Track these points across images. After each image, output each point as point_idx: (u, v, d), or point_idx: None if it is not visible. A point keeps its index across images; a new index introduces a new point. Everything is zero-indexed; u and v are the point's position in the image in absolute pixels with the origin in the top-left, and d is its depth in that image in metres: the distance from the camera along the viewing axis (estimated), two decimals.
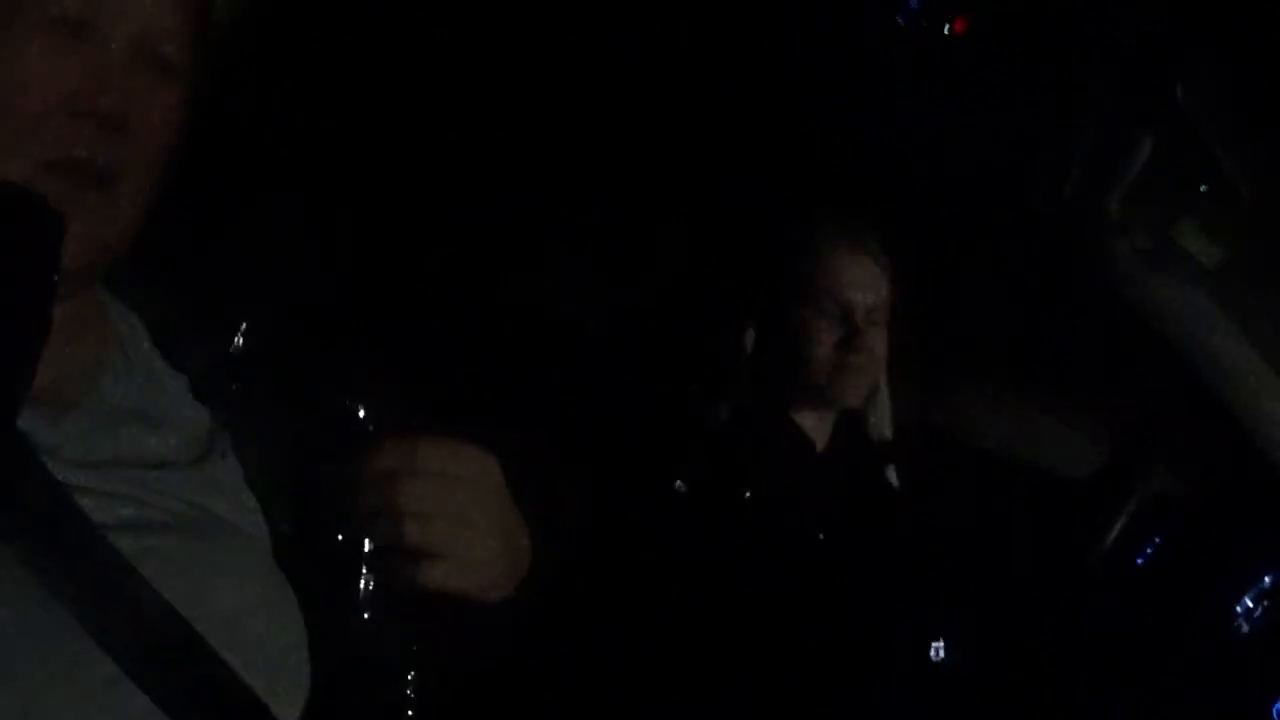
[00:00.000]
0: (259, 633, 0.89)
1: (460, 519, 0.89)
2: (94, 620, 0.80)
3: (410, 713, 0.90)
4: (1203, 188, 2.30)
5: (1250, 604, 2.11)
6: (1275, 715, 1.98)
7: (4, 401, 0.73)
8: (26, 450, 0.82)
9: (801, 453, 1.95)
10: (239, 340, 1.02)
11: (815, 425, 1.97)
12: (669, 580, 1.73)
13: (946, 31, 2.06)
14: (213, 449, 0.97)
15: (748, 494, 1.83)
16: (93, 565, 0.81)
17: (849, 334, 1.90)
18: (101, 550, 0.82)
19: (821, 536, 1.88)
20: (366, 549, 0.89)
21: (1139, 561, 2.20)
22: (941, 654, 1.76)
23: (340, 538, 0.90)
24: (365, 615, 0.92)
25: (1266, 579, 2.11)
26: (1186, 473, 2.29)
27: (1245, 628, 2.10)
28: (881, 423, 2.03)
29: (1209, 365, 2.28)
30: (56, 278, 0.75)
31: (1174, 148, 2.25)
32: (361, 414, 0.95)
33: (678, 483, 1.80)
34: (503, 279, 2.26)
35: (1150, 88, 2.14)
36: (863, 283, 1.92)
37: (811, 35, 2.10)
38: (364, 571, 0.91)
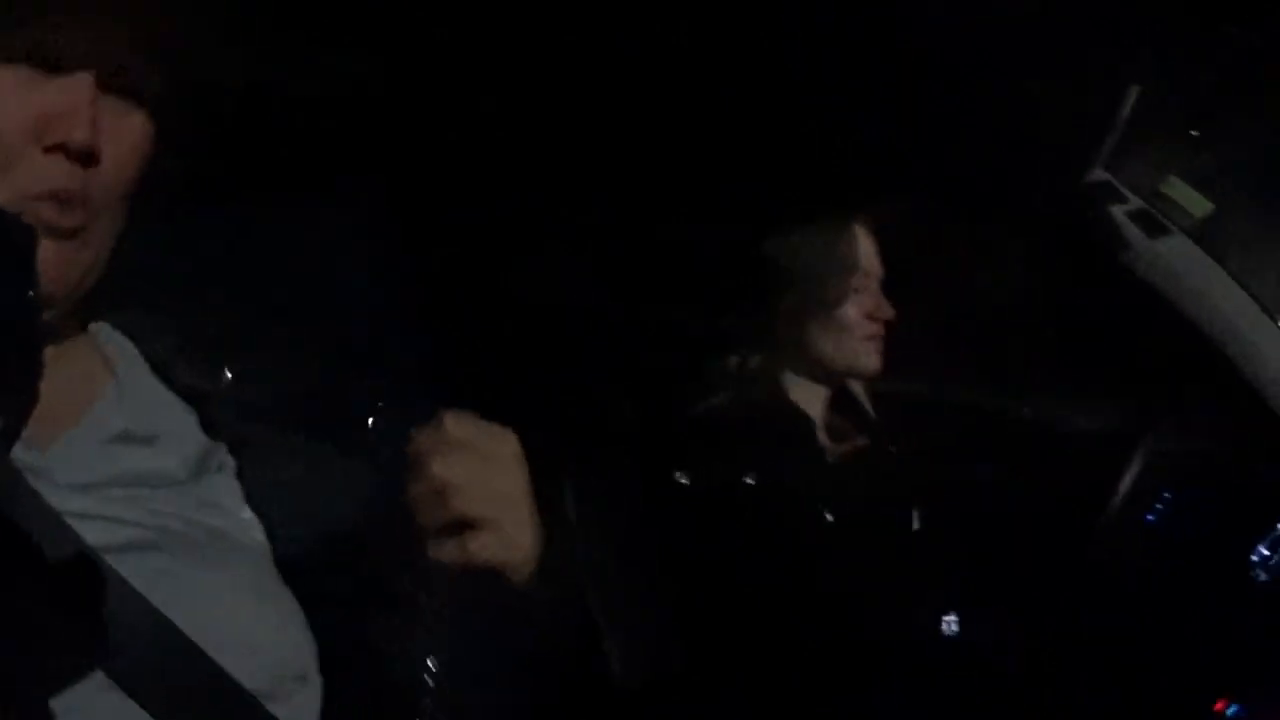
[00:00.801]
0: (267, 646, 0.90)
1: (492, 489, 0.92)
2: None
3: None
4: (1194, 132, 2.22)
5: (1267, 552, 2.12)
6: None
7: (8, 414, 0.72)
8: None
9: (804, 430, 1.95)
10: (230, 366, 1.02)
11: (809, 402, 1.97)
12: (678, 573, 1.72)
13: None
14: (207, 464, 0.99)
15: (750, 480, 1.82)
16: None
17: (876, 303, 1.94)
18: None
19: (830, 517, 1.88)
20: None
21: (1149, 518, 2.20)
22: (955, 627, 1.76)
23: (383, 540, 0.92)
24: (407, 615, 0.93)
25: None
26: (1193, 426, 2.29)
27: (1263, 575, 2.11)
28: (862, 396, 2.04)
29: (1206, 317, 2.27)
30: (33, 293, 0.74)
31: (1163, 93, 2.15)
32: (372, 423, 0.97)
33: (678, 474, 1.80)
34: (499, 274, 2.24)
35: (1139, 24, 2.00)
36: (875, 254, 1.98)
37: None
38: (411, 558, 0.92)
